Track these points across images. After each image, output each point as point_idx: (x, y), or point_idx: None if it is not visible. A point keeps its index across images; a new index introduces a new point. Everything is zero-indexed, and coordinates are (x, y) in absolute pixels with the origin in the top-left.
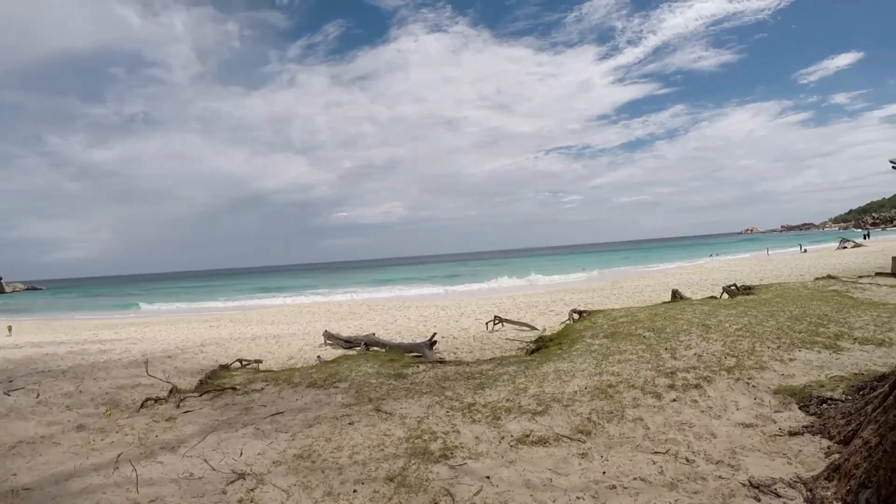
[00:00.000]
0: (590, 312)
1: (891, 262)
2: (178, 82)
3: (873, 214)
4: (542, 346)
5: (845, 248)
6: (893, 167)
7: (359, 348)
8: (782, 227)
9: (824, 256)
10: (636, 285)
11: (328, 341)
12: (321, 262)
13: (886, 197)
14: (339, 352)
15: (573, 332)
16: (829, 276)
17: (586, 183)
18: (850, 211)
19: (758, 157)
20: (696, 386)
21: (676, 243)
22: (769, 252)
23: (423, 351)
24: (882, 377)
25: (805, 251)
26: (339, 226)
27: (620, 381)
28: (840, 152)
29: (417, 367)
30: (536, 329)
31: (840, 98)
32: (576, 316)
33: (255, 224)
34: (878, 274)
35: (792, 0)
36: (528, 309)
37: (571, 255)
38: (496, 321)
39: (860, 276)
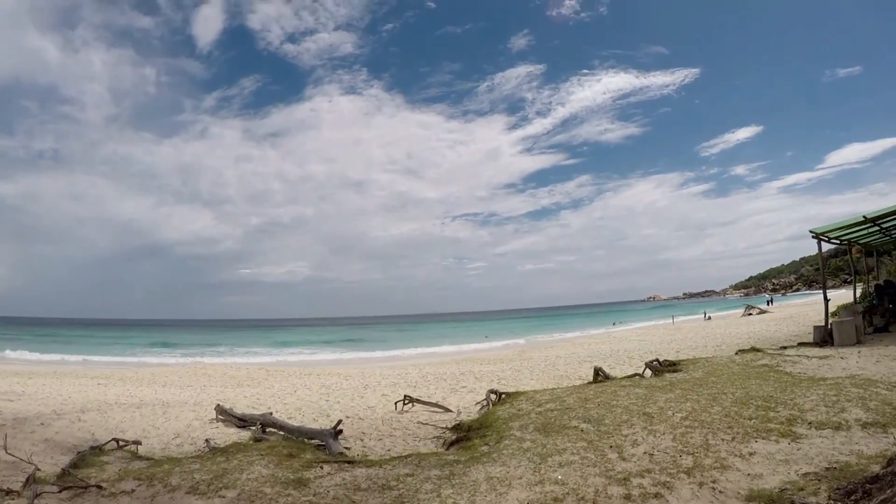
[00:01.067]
0: (510, 394)
1: (812, 330)
2: (90, 122)
3: (773, 280)
4: (461, 436)
5: (751, 314)
6: (814, 237)
7: (254, 428)
8: (684, 294)
9: (732, 324)
10: (546, 356)
11: (220, 416)
12: (223, 318)
13: (785, 263)
14: (232, 431)
15: (497, 422)
16: (754, 349)
17: (491, 250)
18: (751, 277)
19: (660, 226)
20: (657, 495)
21: (580, 310)
22: (674, 320)
23: (326, 441)
24: (874, 478)
25: (709, 318)
26: (243, 282)
27: (567, 493)
28: (740, 221)
29: (321, 468)
30: (451, 411)
31: (740, 170)
32: (493, 397)
33: (157, 275)
34: (801, 344)
35: (696, 77)
36: (437, 383)
37: (476, 322)
38: (406, 401)
39: (784, 348)
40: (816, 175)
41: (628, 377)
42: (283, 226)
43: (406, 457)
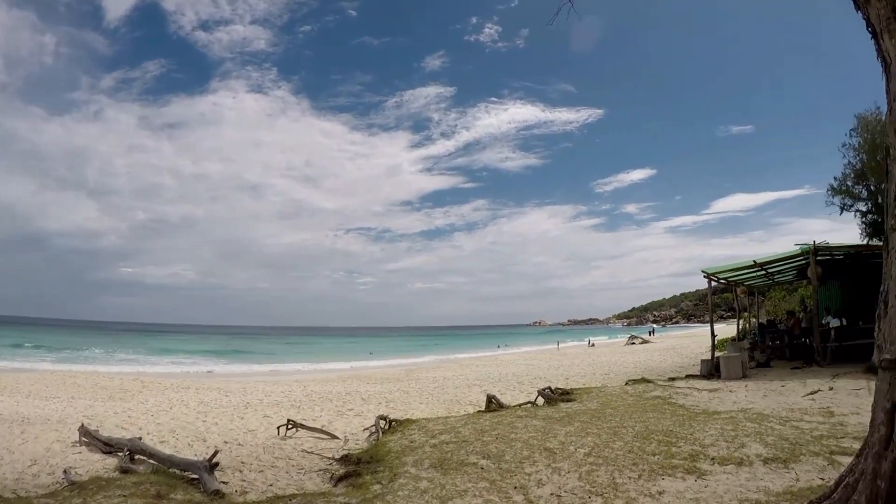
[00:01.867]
0: (400, 422)
1: (699, 363)
2: None
3: (654, 312)
4: (351, 470)
5: (634, 343)
6: (705, 276)
7: (121, 455)
8: (569, 320)
9: (617, 352)
10: (434, 377)
11: (84, 439)
12: (100, 320)
13: (666, 297)
14: (97, 457)
15: (389, 455)
16: (644, 380)
17: (382, 266)
18: (633, 308)
19: (551, 255)
20: None
21: (468, 332)
22: (559, 346)
23: (201, 475)
24: None
25: (593, 345)
26: (123, 282)
27: None
28: (627, 256)
29: None
30: (338, 438)
31: (631, 208)
32: (383, 424)
33: (30, 267)
34: (689, 376)
35: (599, 117)
36: (322, 403)
37: (363, 338)
38: (289, 426)
39: (672, 379)
40: (701, 219)
41: (522, 405)
42: (171, 224)
43: (291, 497)
